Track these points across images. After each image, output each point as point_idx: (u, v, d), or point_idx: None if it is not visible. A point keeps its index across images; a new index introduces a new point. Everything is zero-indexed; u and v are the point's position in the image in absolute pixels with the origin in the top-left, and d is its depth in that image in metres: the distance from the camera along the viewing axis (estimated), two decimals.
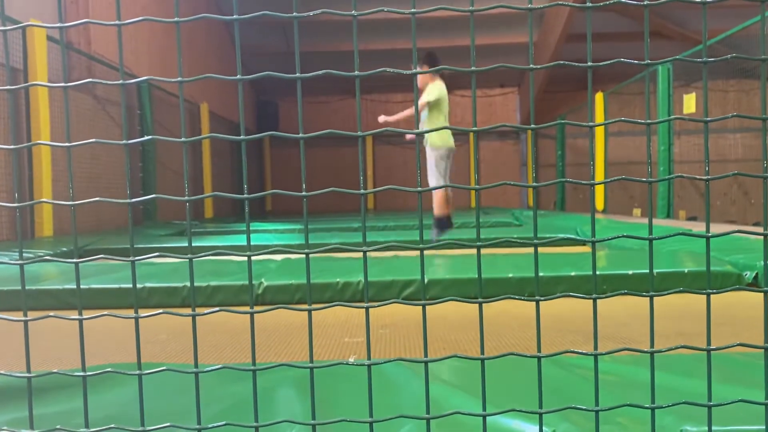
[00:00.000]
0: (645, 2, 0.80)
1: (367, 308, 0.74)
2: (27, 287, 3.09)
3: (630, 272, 2.97)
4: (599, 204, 10.01)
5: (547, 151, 13.80)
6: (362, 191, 0.73)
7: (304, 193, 0.74)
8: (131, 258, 0.73)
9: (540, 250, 5.08)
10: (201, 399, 1.19)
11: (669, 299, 2.07)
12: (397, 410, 1.05)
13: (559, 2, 0.78)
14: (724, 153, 10.08)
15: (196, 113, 11.27)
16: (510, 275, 2.97)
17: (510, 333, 2.18)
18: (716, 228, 5.12)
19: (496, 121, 16.06)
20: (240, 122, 0.77)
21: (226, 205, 12.47)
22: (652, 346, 0.72)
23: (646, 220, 7.44)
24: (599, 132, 9.97)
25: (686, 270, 2.98)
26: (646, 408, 0.72)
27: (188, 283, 3.05)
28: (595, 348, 0.72)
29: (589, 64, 0.75)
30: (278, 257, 4.18)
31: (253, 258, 3.04)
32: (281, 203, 16.02)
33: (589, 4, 0.77)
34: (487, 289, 2.95)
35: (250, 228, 6.85)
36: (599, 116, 10.11)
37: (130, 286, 3.08)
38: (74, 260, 0.75)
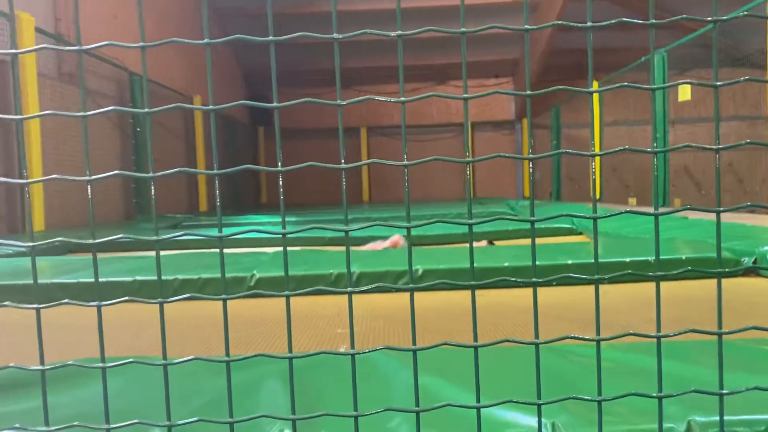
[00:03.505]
0: None
1: (350, 293, 0.69)
2: (17, 282, 3.03)
3: (627, 260, 2.92)
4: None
5: (541, 140, 13.76)
6: (343, 166, 0.68)
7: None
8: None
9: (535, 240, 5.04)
10: (182, 393, 1.14)
11: (664, 285, 2.03)
12: (385, 403, 1.01)
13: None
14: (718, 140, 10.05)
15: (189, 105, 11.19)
16: (506, 264, 2.93)
17: (505, 322, 2.14)
18: (709, 216, 5.08)
19: (490, 112, 15.98)
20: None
21: (221, 199, 12.39)
22: (658, 330, 0.67)
23: (641, 209, 7.44)
24: (595, 121, 9.93)
25: (683, 257, 2.94)
26: (653, 397, 0.68)
27: (179, 276, 2.99)
28: (598, 333, 0.67)
29: (589, 24, 0.69)
30: (270, 249, 4.13)
31: (247, 250, 2.97)
32: (275, 196, 15.94)
33: None
34: (482, 278, 2.91)
35: (245, 221, 6.76)
36: (594, 106, 10.06)
37: (121, 279, 3.02)
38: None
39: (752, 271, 2.97)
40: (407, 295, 3.01)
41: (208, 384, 1.24)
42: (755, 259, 2.98)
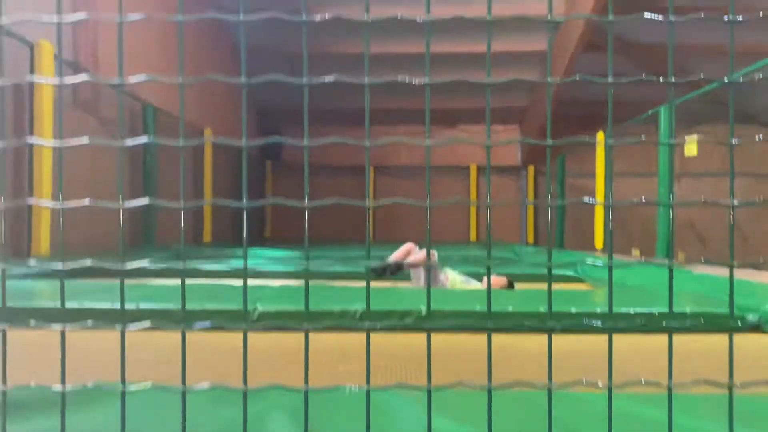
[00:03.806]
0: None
1: (367, 331, 0.70)
2: (15, 304, 3.03)
3: (632, 311, 2.92)
4: (598, 243, 9.98)
5: (546, 188, 13.84)
6: (368, 204, 0.70)
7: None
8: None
9: (538, 286, 5.00)
10: (191, 422, 1.14)
11: (662, 338, 2.03)
12: None
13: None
14: (723, 196, 10.08)
15: (199, 138, 11.31)
16: (509, 309, 2.92)
17: (509, 368, 2.13)
18: (713, 271, 5.08)
19: (496, 157, 16.10)
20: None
21: (224, 231, 12.42)
22: (670, 382, 0.68)
23: (644, 260, 7.36)
24: (600, 172, 10.01)
25: (689, 311, 2.93)
26: None
27: (175, 326, 2.98)
28: (610, 382, 0.68)
29: (610, 79, 0.72)
30: (276, 283, 4.14)
31: (250, 283, 2.97)
32: (280, 230, 15.98)
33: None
34: (486, 322, 2.90)
35: (250, 254, 6.72)
36: (600, 156, 10.15)
37: (126, 306, 3.02)
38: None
39: (757, 328, 2.96)
40: (411, 334, 2.98)
41: (212, 415, 1.24)
42: (759, 317, 2.97)
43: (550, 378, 0.71)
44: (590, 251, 9.44)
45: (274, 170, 16.23)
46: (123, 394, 0.70)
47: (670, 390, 0.68)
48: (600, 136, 10.16)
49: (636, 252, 9.76)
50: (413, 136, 15.85)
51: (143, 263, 0.76)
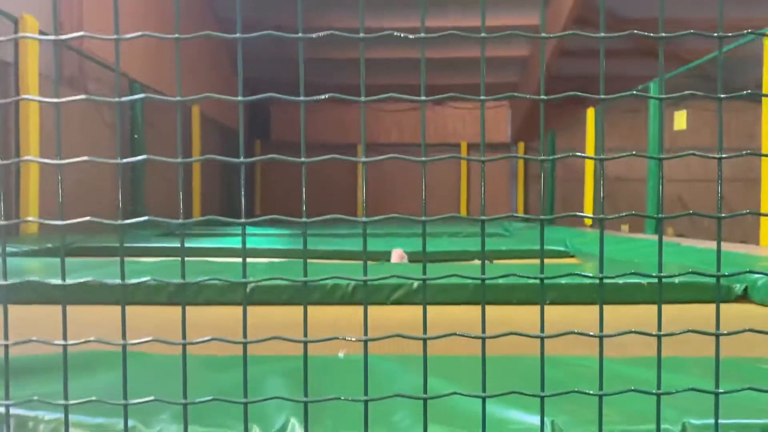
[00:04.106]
0: None
1: (365, 305, 0.71)
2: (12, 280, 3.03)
3: (621, 282, 2.96)
4: (587, 219, 10.04)
5: (536, 164, 13.90)
6: (364, 159, 0.71)
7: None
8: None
9: (527, 261, 5.04)
10: (191, 385, 1.16)
11: (650, 307, 2.06)
12: (389, 401, 1.03)
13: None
14: (711, 172, 10.18)
15: (187, 115, 11.22)
16: (500, 282, 2.95)
17: (506, 341, 2.15)
18: (700, 244, 5.12)
19: (487, 134, 16.11)
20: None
21: (214, 209, 12.40)
22: (659, 329, 0.70)
23: (633, 235, 7.44)
24: (589, 147, 10.04)
25: (677, 281, 2.97)
26: (653, 394, 0.70)
27: (175, 280, 2.99)
28: (601, 330, 0.70)
29: (602, 34, 0.73)
30: (264, 260, 4.16)
31: (240, 260, 2.89)
32: (270, 208, 15.96)
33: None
34: (476, 296, 2.93)
35: (240, 231, 6.70)
36: (590, 132, 10.18)
37: (117, 281, 3.02)
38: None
39: (743, 298, 3.02)
40: (401, 309, 3.01)
41: (209, 380, 1.26)
42: (746, 286, 3.03)
43: (542, 329, 0.73)
44: (580, 227, 9.51)
45: (263, 149, 16.15)
46: (124, 348, 0.71)
47: (659, 338, 0.70)
48: (590, 112, 10.18)
49: (625, 228, 9.84)
50: (404, 112, 15.80)
51: (141, 219, 0.76)
